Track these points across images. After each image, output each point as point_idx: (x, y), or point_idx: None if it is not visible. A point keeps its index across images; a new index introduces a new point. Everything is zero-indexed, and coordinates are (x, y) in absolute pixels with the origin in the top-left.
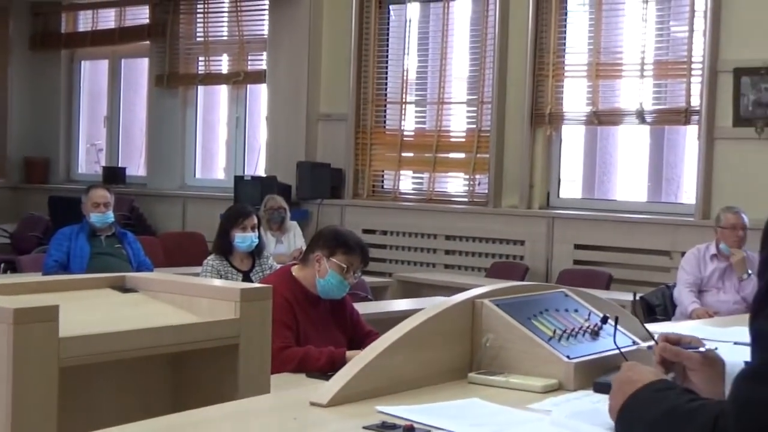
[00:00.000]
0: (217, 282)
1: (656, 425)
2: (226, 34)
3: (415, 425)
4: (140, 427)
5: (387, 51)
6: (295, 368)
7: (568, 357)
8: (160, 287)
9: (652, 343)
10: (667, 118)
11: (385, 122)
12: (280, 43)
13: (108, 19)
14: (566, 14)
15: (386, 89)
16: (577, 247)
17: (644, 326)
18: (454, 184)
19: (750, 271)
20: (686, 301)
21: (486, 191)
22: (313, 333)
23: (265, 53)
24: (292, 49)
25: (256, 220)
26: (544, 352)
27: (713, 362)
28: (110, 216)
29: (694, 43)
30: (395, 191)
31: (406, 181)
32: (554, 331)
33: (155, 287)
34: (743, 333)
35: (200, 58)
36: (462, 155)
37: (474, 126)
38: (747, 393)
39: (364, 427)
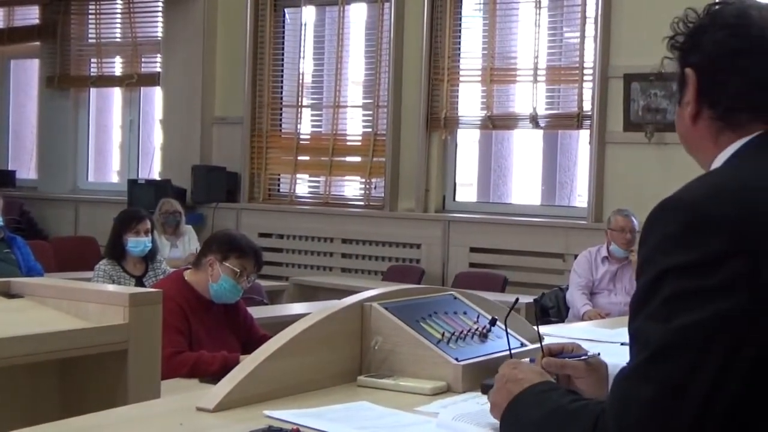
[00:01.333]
0: (106, 287)
1: (540, 426)
2: (119, 35)
3: (302, 429)
4: None
5: (282, 54)
6: (188, 373)
7: (456, 359)
8: (47, 292)
9: (537, 346)
10: (560, 122)
11: (281, 125)
12: (174, 45)
13: None
14: (461, 19)
15: (282, 92)
16: (473, 250)
17: (538, 331)
18: (351, 187)
19: None
20: (578, 303)
21: (382, 195)
22: (207, 338)
23: (159, 55)
24: (187, 51)
25: (149, 224)
26: (432, 354)
27: (597, 367)
28: None
29: (586, 49)
30: (291, 195)
31: (303, 185)
32: (443, 334)
33: (42, 292)
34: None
35: (92, 60)
36: (358, 159)
37: (370, 130)
38: (625, 391)
39: None
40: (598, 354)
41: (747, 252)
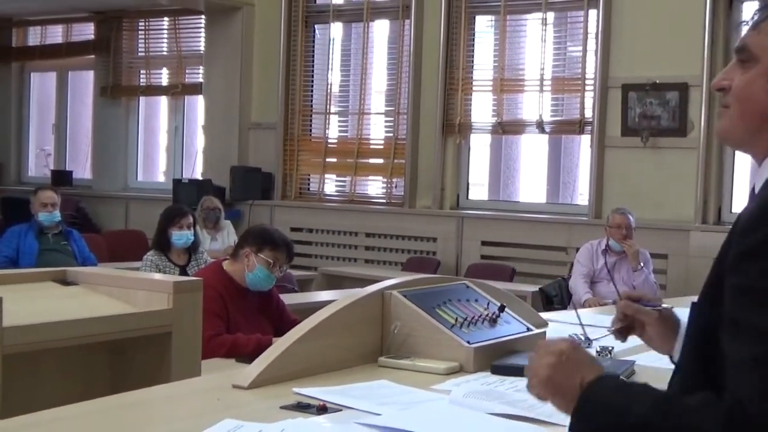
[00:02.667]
0: (153, 275)
1: (652, 419)
2: (165, 49)
3: (328, 405)
4: (79, 408)
5: (312, 66)
6: (226, 354)
7: (468, 342)
8: (99, 280)
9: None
10: (564, 128)
11: (310, 131)
12: (215, 58)
13: (56, 34)
14: (474, 35)
15: (312, 101)
16: (484, 243)
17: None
18: (374, 186)
19: (642, 264)
20: (580, 291)
21: (402, 193)
22: (243, 322)
23: (201, 67)
24: (226, 63)
25: (191, 219)
26: (446, 338)
27: (667, 319)
28: (57, 215)
29: (588, 61)
30: (320, 193)
31: (330, 184)
32: (456, 319)
33: (95, 280)
34: None
35: (141, 71)
36: (380, 161)
37: (391, 134)
38: (757, 383)
39: (281, 407)
40: (671, 308)
41: None
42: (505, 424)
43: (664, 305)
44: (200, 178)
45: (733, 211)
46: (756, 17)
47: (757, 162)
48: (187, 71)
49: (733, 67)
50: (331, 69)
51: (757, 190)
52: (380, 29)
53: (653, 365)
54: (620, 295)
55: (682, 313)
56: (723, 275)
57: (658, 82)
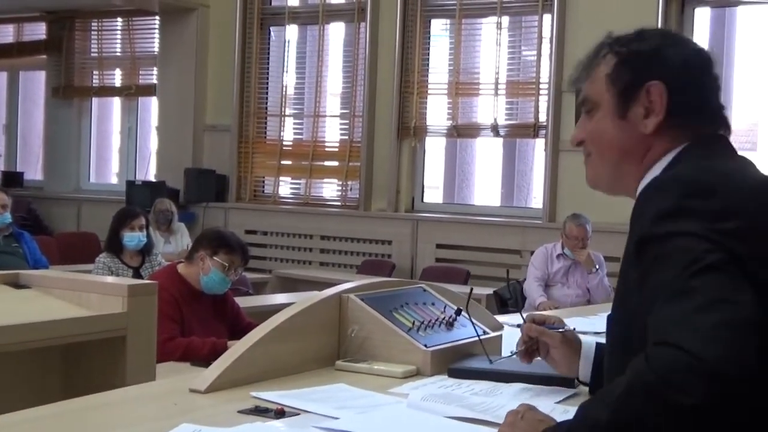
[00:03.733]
0: (106, 278)
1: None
2: (119, 50)
3: (286, 408)
4: (31, 413)
5: (268, 68)
6: (180, 357)
7: (425, 346)
8: (52, 283)
9: (498, 333)
10: (518, 131)
11: (265, 133)
12: (170, 59)
13: (6, 33)
14: (429, 38)
15: (267, 103)
16: (439, 246)
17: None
18: (329, 189)
19: (597, 267)
20: (535, 294)
21: (357, 196)
22: (197, 325)
23: (155, 68)
24: (181, 65)
25: (144, 221)
26: (403, 341)
27: (571, 341)
28: (8, 217)
29: (542, 65)
30: (275, 195)
31: (285, 187)
32: (413, 323)
33: (47, 283)
34: (583, 323)
35: (94, 72)
36: (336, 163)
37: (346, 137)
38: (684, 329)
39: (239, 411)
40: (574, 329)
41: (739, 212)
42: (463, 427)
43: (567, 328)
44: (154, 180)
45: None
46: (585, 70)
47: (633, 197)
48: (140, 72)
49: (582, 121)
50: (287, 71)
51: None
52: (336, 32)
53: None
54: (522, 316)
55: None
56: (627, 280)
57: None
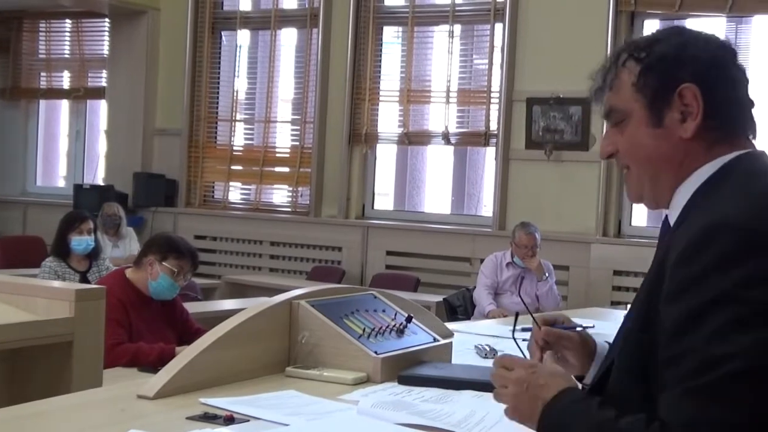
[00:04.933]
0: (54, 283)
1: None
2: (67, 52)
3: (235, 415)
4: None
5: (219, 73)
6: (128, 363)
7: (375, 352)
8: None
9: (449, 341)
10: (469, 140)
11: (216, 138)
12: (119, 62)
13: None
14: (381, 45)
15: (217, 108)
16: (389, 253)
17: (534, 319)
18: (279, 195)
19: (547, 274)
20: (484, 302)
21: (308, 202)
22: (145, 331)
23: (104, 71)
24: (130, 68)
25: (92, 225)
26: (354, 348)
27: (586, 341)
28: None
29: (493, 74)
30: (225, 201)
31: (235, 192)
32: (364, 329)
33: None
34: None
35: (42, 74)
36: (286, 169)
37: (297, 143)
38: (694, 411)
39: (187, 418)
40: (585, 328)
41: None
42: None
43: (579, 327)
44: (102, 183)
45: (632, 224)
46: (606, 80)
47: (666, 207)
48: (89, 75)
49: (610, 132)
50: (238, 76)
51: (672, 220)
52: (288, 37)
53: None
54: (533, 318)
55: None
56: (657, 302)
57: (561, 96)
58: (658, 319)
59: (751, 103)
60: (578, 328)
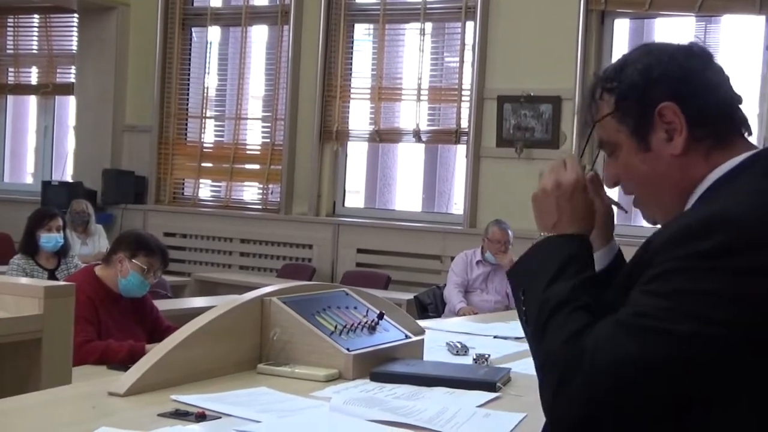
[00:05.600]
0: (22, 279)
1: (541, 306)
2: (35, 47)
3: (207, 412)
4: None
5: (189, 69)
6: (97, 361)
7: (347, 349)
8: None
9: (421, 338)
10: (440, 137)
11: (186, 134)
12: (88, 58)
13: None
14: (353, 43)
15: (188, 104)
16: (360, 251)
17: None
18: (249, 192)
19: None
20: (455, 300)
21: (278, 199)
22: (115, 328)
23: (73, 67)
24: (100, 64)
25: (61, 222)
26: (326, 345)
27: (612, 220)
28: None
29: (464, 72)
30: (195, 198)
31: (205, 189)
32: (335, 326)
33: None
34: (504, 328)
35: (10, 69)
36: (257, 166)
37: (268, 140)
38: (615, 337)
39: (159, 415)
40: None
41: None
42: (385, 431)
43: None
44: (71, 180)
45: None
46: (587, 118)
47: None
48: (58, 71)
49: (609, 164)
50: (208, 73)
51: None
52: (258, 34)
53: (529, 372)
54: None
55: (490, 345)
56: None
57: (532, 94)
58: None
59: (738, 99)
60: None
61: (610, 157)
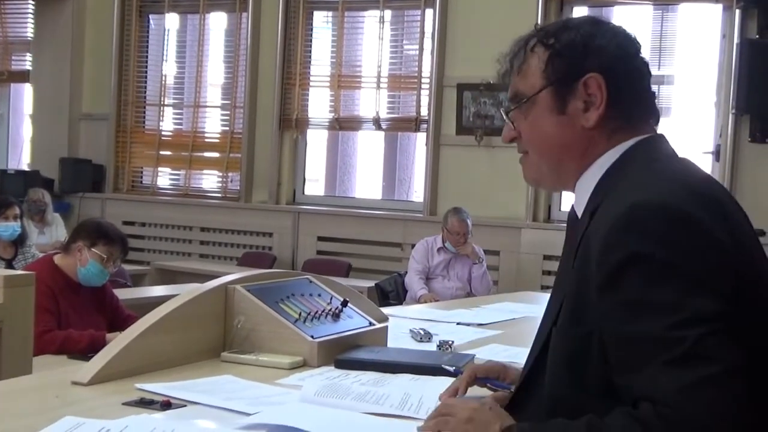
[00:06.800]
0: None
1: None
2: None
3: (172, 400)
4: None
5: (147, 56)
6: (57, 350)
7: (312, 337)
8: None
9: (385, 325)
10: (400, 125)
11: (144, 122)
12: (44, 44)
13: None
14: (312, 30)
15: (146, 92)
16: (320, 239)
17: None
18: (209, 180)
19: (481, 257)
20: (416, 287)
21: (238, 188)
22: (75, 318)
23: (28, 54)
24: (56, 51)
25: (18, 210)
26: (290, 332)
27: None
28: None
29: (424, 60)
30: (153, 186)
31: (164, 178)
32: (300, 314)
33: None
34: (464, 315)
35: None
36: (216, 154)
37: (227, 128)
38: (674, 380)
39: (123, 403)
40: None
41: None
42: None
43: (508, 388)
44: (27, 169)
45: (562, 209)
46: (513, 64)
47: (572, 191)
48: (13, 58)
49: (514, 117)
50: (166, 60)
51: (580, 214)
52: (217, 21)
53: (492, 359)
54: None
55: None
56: (587, 292)
57: (492, 82)
58: (593, 309)
59: (653, 95)
60: (509, 388)
61: (518, 111)
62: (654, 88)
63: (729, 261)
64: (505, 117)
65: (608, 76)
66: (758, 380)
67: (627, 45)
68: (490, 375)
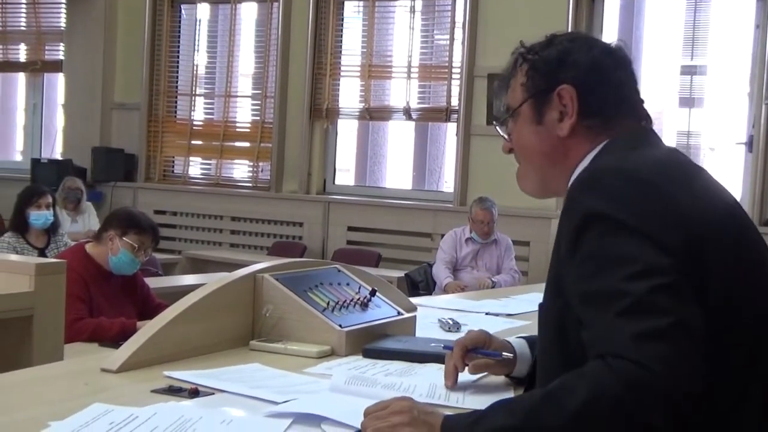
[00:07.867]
0: (13, 256)
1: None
2: (24, 24)
3: (200, 388)
4: None
5: (178, 47)
6: (88, 338)
7: (340, 326)
8: None
9: (413, 314)
10: (431, 115)
11: (176, 112)
12: (77, 35)
13: None
14: (343, 20)
15: (177, 82)
16: (350, 229)
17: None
18: (240, 170)
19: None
20: (442, 275)
21: (268, 177)
22: (106, 306)
23: (62, 44)
24: (89, 41)
25: (50, 199)
26: (318, 321)
27: (507, 362)
28: None
29: (455, 50)
30: (185, 176)
31: (195, 167)
32: (328, 303)
33: None
34: (493, 305)
35: None
36: (247, 144)
37: (258, 118)
38: (624, 332)
39: (152, 391)
40: (509, 342)
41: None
42: None
43: (499, 355)
44: (60, 158)
45: None
46: (504, 81)
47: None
48: (46, 48)
49: (508, 129)
50: (198, 50)
51: None
52: (248, 11)
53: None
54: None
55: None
56: (560, 267)
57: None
58: (566, 279)
59: (639, 101)
60: (499, 357)
61: (509, 123)
62: (686, 78)
63: (687, 223)
64: (498, 129)
65: (581, 87)
66: (724, 346)
67: (605, 58)
68: (478, 344)
